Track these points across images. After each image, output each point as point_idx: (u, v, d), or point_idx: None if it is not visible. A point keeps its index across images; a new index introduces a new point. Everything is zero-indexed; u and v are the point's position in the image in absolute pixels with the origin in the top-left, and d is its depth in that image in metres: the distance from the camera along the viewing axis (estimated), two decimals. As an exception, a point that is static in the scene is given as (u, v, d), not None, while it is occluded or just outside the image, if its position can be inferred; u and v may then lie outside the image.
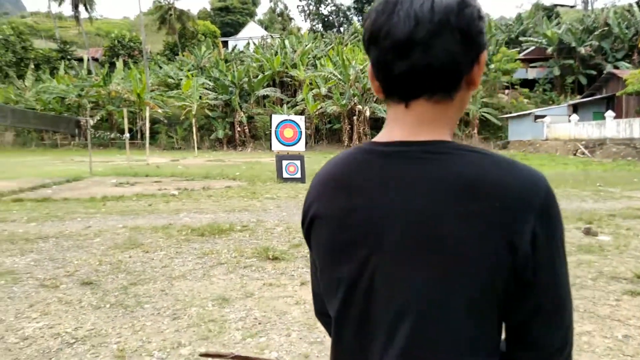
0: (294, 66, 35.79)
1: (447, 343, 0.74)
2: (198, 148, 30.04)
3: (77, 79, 35.12)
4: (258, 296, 3.93)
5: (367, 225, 0.78)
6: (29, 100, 31.86)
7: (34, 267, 4.68)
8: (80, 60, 44.10)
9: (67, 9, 50.54)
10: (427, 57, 0.71)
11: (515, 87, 37.28)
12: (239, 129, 31.24)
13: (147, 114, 20.90)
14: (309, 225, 0.86)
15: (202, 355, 0.98)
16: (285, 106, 31.59)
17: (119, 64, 38.40)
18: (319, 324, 3.30)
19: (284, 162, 11.96)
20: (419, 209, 0.74)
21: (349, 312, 0.80)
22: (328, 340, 2.86)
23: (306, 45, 38.85)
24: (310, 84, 32.31)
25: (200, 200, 8.89)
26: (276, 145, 12.12)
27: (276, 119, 12.17)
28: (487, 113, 32.02)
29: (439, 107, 0.76)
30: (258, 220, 6.97)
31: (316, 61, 36.06)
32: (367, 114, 29.98)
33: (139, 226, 6.48)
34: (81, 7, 49.23)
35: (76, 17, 50.21)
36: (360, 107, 30.05)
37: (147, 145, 21.31)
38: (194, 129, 28.19)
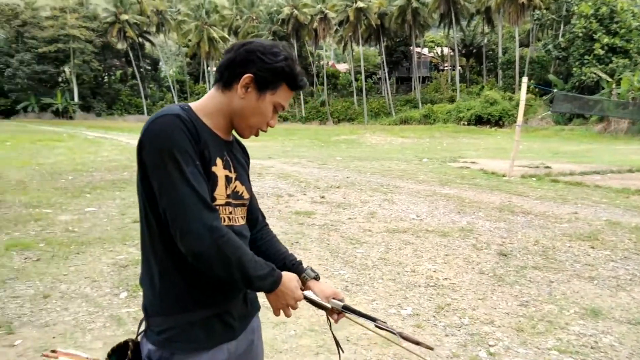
0: None
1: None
2: None
3: None
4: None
5: None
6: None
7: (490, 232, 5.46)
8: None
9: None
10: (220, 63, 1.25)
11: None
12: None
13: None
14: None
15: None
16: None
17: None
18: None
19: None
20: None
21: None
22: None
23: None
24: None
25: None
26: None
27: None
28: None
29: (215, 93, 1.24)
30: None
31: None
32: None
33: (621, 222, 5.73)
34: None
35: None
36: None
37: None
38: None
